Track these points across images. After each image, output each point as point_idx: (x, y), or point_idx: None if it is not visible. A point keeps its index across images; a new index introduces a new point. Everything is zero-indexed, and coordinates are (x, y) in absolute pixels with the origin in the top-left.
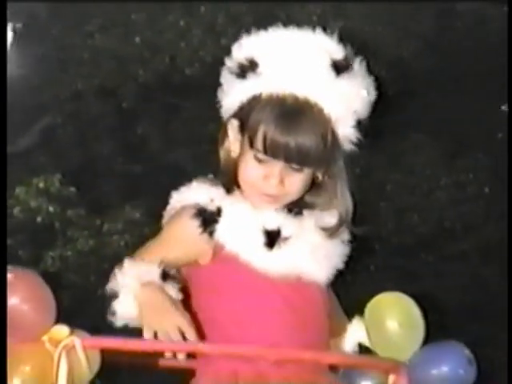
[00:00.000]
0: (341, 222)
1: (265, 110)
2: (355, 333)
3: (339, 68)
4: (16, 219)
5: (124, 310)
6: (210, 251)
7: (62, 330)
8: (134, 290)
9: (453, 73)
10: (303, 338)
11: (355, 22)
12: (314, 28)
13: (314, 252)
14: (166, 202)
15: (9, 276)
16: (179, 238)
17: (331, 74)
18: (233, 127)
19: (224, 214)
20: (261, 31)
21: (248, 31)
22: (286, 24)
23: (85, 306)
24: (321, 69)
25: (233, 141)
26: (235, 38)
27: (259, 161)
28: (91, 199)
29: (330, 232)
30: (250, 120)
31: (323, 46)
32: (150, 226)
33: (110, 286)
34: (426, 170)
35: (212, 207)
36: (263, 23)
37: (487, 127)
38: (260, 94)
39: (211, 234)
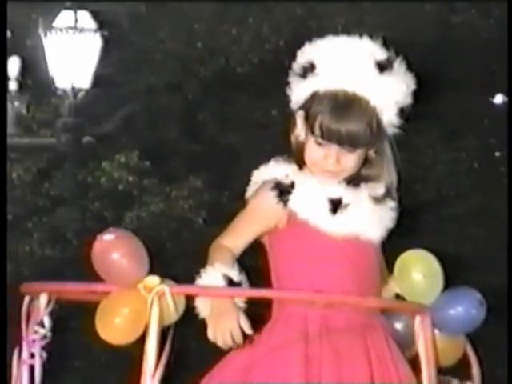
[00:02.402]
0: (387, 192)
1: (321, 103)
2: (394, 285)
3: (382, 67)
4: (102, 187)
5: (201, 308)
6: (286, 217)
7: (154, 279)
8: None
9: (450, 73)
10: (361, 286)
11: (371, 31)
12: (361, 36)
13: (368, 216)
14: (221, 174)
15: (111, 236)
16: (261, 206)
17: (375, 72)
18: (300, 117)
19: (296, 186)
20: (316, 39)
21: (288, 38)
22: (317, 32)
23: (156, 257)
24: (366, 68)
25: (300, 128)
26: (277, 43)
27: (319, 144)
28: (162, 171)
29: (378, 200)
30: (310, 112)
31: (368, 50)
32: (208, 193)
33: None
34: (428, 149)
35: (287, 181)
36: (299, 32)
37: (477, 115)
38: (317, 91)
39: (286, 203)
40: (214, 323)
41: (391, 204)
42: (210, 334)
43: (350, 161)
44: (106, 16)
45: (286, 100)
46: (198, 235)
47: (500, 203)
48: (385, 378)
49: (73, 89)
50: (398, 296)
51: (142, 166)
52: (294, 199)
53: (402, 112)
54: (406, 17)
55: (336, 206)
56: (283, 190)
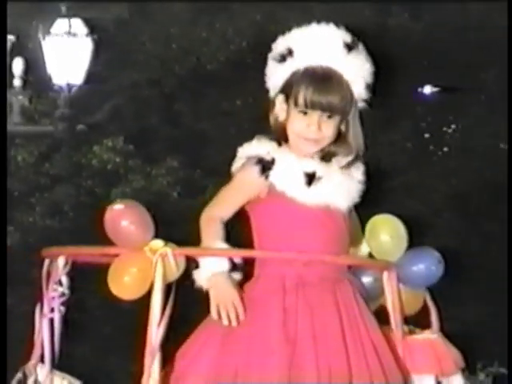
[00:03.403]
0: (355, 158)
1: (303, 78)
2: (366, 246)
3: (349, 47)
4: (94, 167)
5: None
6: (266, 189)
7: (158, 242)
8: (206, 277)
9: (388, 68)
10: (332, 247)
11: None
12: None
13: (338, 188)
14: (194, 155)
15: (121, 206)
16: (246, 180)
17: (344, 51)
18: (279, 100)
19: (276, 162)
20: (275, 40)
21: (249, 40)
22: (274, 34)
23: None
24: (337, 48)
25: (279, 110)
26: (240, 44)
27: (303, 113)
28: (144, 153)
29: (346, 166)
30: (294, 87)
31: (337, 33)
32: (183, 171)
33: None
34: (368, 132)
35: (268, 157)
36: (259, 35)
37: (411, 103)
38: (297, 70)
39: (267, 177)
40: (215, 299)
41: (359, 178)
42: (213, 310)
43: (329, 128)
44: (96, 22)
45: (247, 92)
46: (173, 206)
47: (430, 177)
48: (352, 324)
49: (68, 85)
50: (370, 255)
51: (126, 149)
52: (274, 173)
53: (369, 87)
54: (350, 20)
55: (311, 178)
56: (265, 166)
